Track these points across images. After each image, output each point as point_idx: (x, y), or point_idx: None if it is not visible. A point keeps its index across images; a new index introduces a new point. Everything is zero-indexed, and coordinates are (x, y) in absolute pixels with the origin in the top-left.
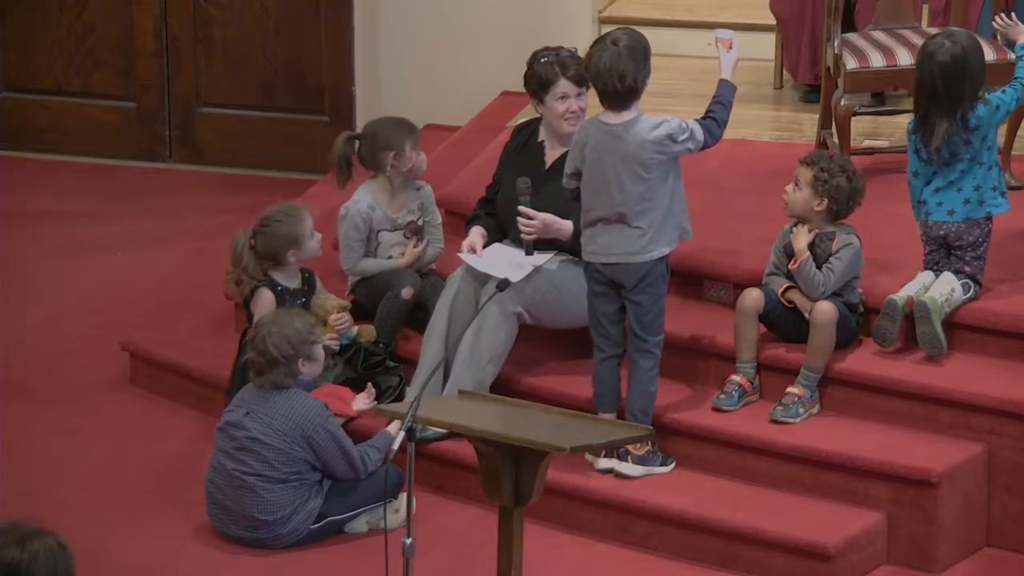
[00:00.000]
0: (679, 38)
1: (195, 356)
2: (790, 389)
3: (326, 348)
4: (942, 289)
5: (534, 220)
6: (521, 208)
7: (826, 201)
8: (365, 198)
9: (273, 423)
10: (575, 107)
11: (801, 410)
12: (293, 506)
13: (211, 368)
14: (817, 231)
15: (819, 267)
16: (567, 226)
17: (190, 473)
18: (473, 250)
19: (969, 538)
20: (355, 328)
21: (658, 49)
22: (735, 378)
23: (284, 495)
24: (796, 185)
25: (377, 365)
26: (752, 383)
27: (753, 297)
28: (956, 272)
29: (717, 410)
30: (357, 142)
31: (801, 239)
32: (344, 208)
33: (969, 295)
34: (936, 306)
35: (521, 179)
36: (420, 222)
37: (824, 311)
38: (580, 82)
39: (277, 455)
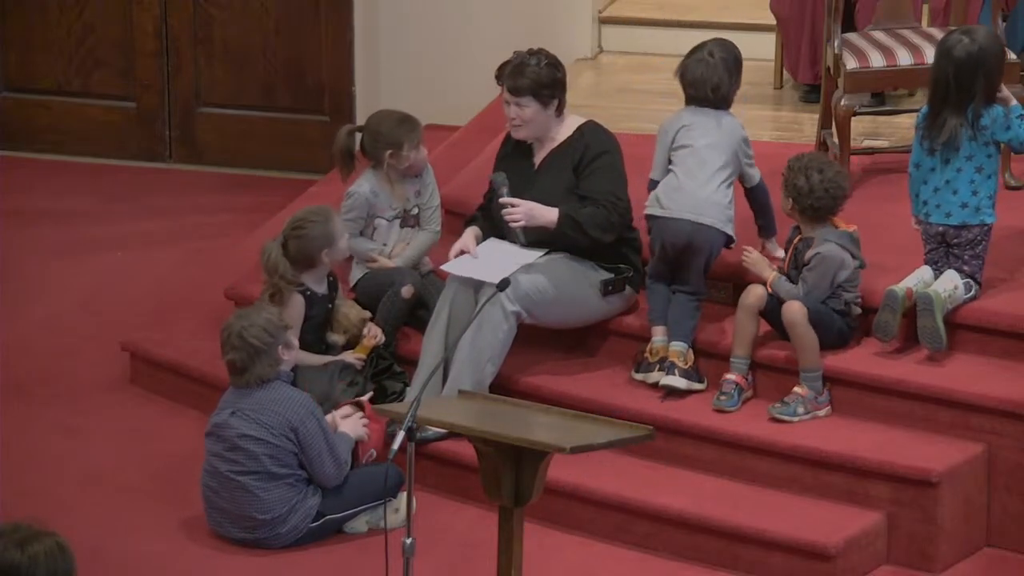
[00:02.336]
0: (679, 38)
1: (195, 356)
2: (795, 389)
3: (350, 366)
4: (946, 285)
5: (518, 207)
6: (503, 199)
7: (791, 200)
8: (369, 182)
9: (260, 418)
10: (513, 114)
11: (800, 409)
12: (290, 504)
13: (211, 368)
14: (802, 236)
15: (803, 267)
16: (551, 213)
17: (190, 473)
18: (465, 252)
19: (969, 538)
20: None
21: (658, 49)
22: (731, 377)
23: (279, 493)
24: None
25: (385, 370)
26: (747, 379)
27: (756, 294)
28: (957, 271)
29: (719, 411)
30: (359, 134)
31: (764, 271)
32: (349, 191)
33: (970, 295)
34: (939, 299)
35: (496, 174)
36: (415, 210)
37: (792, 311)
38: (515, 91)
39: (266, 450)
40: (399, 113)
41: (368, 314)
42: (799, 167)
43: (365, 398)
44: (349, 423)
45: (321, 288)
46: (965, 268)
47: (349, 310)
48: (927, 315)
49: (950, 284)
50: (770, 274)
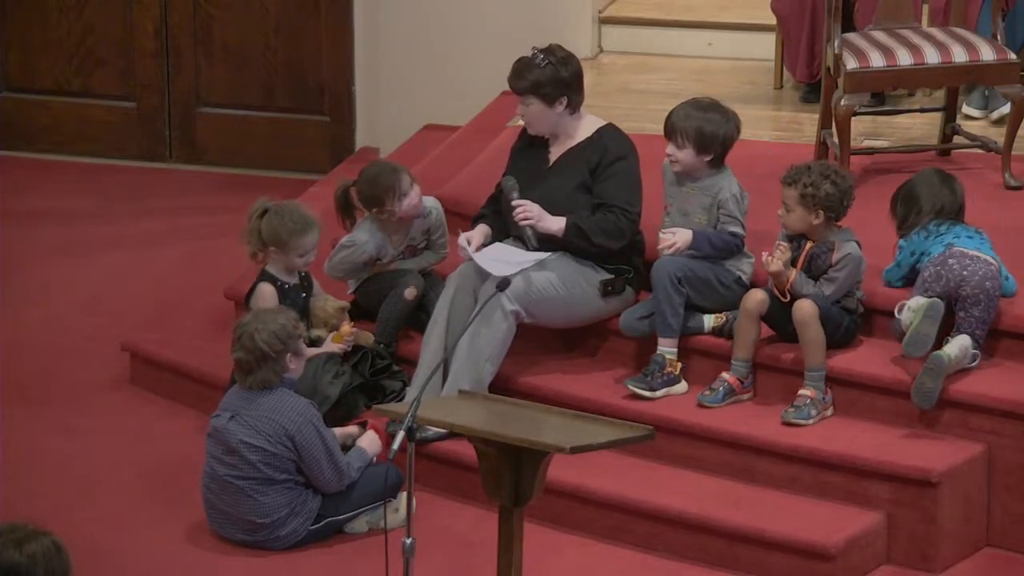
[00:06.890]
0: (679, 38)
1: (195, 356)
2: (801, 391)
3: (334, 356)
4: (955, 351)
5: (529, 206)
6: (515, 201)
7: (822, 212)
8: (374, 238)
9: (258, 425)
10: (520, 111)
11: (813, 412)
12: (290, 508)
13: (211, 368)
14: (811, 244)
15: (818, 279)
16: (558, 222)
17: (190, 473)
18: (471, 242)
19: (969, 538)
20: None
21: (658, 49)
22: (725, 376)
23: (278, 497)
24: (786, 207)
25: (384, 370)
26: (743, 383)
27: (757, 299)
28: (970, 336)
29: (701, 406)
30: (354, 188)
31: (775, 264)
32: (350, 239)
33: (975, 364)
34: (949, 364)
35: (506, 178)
36: (422, 244)
37: (803, 308)
38: (515, 91)
39: (263, 457)
40: (388, 167)
41: (346, 303)
42: (816, 178)
43: (355, 427)
44: (367, 439)
45: (291, 280)
46: (976, 333)
47: (324, 303)
48: (931, 376)
49: (957, 348)
50: (786, 271)
